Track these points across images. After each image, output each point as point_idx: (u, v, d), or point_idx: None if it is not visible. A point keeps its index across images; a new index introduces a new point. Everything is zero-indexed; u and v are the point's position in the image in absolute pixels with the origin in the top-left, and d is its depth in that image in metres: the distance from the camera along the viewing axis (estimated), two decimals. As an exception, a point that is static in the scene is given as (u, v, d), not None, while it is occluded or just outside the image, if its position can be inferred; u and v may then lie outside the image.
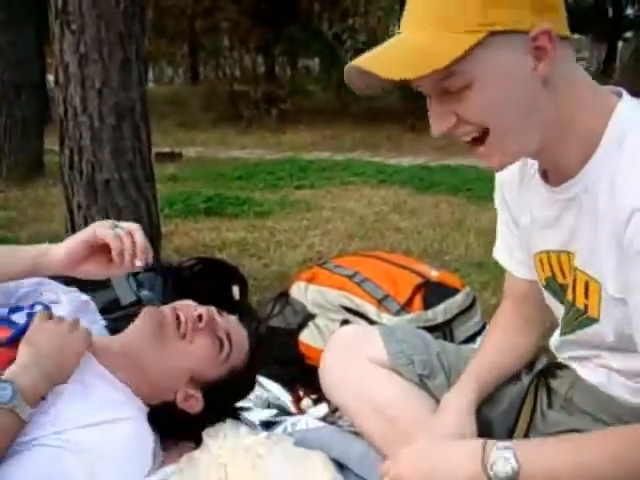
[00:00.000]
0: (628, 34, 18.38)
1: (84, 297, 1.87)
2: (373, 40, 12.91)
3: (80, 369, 1.53)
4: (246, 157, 8.44)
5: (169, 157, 7.63)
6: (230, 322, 1.72)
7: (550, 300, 1.38)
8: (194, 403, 1.64)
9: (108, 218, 2.98)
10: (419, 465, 1.26)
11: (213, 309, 1.69)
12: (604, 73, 14.69)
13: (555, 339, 1.42)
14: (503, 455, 1.15)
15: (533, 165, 1.29)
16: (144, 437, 1.52)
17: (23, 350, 1.44)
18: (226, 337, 1.66)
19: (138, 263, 1.50)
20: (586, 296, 1.21)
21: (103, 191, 3.04)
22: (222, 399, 1.68)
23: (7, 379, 1.36)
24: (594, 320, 1.22)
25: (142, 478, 1.47)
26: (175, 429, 1.67)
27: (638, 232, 1.04)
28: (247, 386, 1.80)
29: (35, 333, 1.48)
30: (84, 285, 2.26)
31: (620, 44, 17.95)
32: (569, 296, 1.27)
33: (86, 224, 3.02)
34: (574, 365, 1.41)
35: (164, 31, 15.76)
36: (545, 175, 1.25)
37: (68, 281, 2.26)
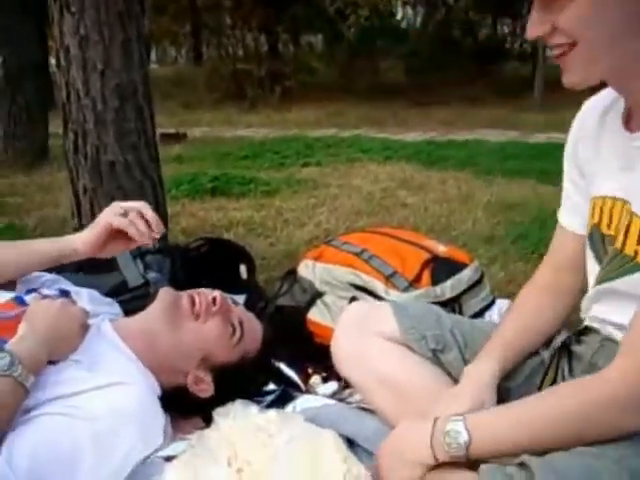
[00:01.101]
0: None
1: (107, 299, 1.97)
2: (376, 15, 12.84)
3: (94, 341, 1.59)
4: (251, 136, 8.41)
5: (174, 138, 7.60)
6: (245, 313, 1.78)
7: (588, 254, 1.39)
8: (205, 387, 1.67)
9: (114, 201, 2.99)
10: (388, 446, 1.33)
11: (228, 298, 1.73)
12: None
13: (587, 296, 1.42)
14: (454, 427, 1.21)
15: (617, 110, 1.31)
16: (150, 401, 1.54)
17: (21, 325, 1.50)
18: (239, 324, 1.69)
19: (157, 236, 1.70)
20: (639, 242, 1.23)
21: (108, 174, 3.03)
22: (232, 387, 1.70)
23: (5, 350, 1.39)
24: None
25: (157, 438, 1.52)
26: (185, 412, 1.69)
27: None
28: (258, 377, 1.83)
29: (31, 310, 1.55)
30: (92, 268, 2.28)
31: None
32: (618, 244, 1.28)
33: (92, 207, 3.03)
34: (602, 327, 1.41)
35: (165, 10, 15.68)
36: (628, 121, 1.27)
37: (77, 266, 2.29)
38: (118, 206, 1.72)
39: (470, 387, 1.39)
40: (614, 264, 1.30)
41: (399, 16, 15.12)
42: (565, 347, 1.50)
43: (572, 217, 1.48)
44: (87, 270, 2.31)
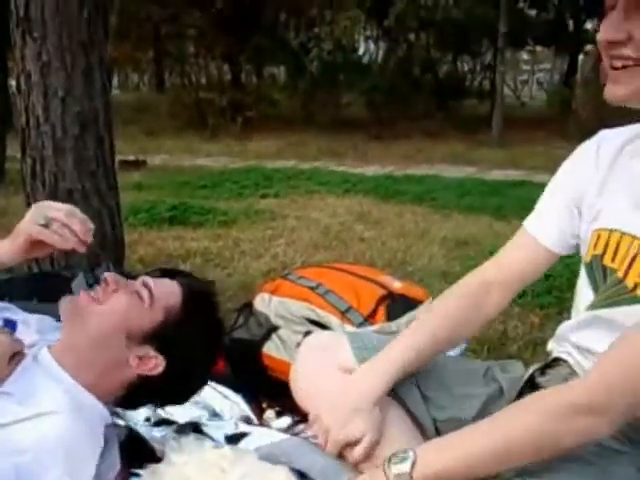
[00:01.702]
0: (588, 47, 18.73)
1: (58, 323, 1.89)
2: (338, 49, 12.99)
3: (28, 370, 1.53)
4: (211, 165, 8.42)
5: (134, 165, 7.58)
6: (147, 277, 1.66)
7: (583, 282, 1.41)
8: (153, 362, 1.57)
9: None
10: None
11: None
12: (566, 85, 14.91)
13: (568, 324, 1.45)
14: (403, 453, 1.25)
15: (635, 147, 1.32)
16: (83, 431, 1.47)
17: None
18: (143, 286, 1.59)
19: (85, 243, 1.58)
20: None
21: (65, 201, 2.96)
22: (180, 348, 1.59)
23: None
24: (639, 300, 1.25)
25: (88, 469, 1.43)
26: (161, 400, 1.68)
27: None
28: (198, 334, 1.64)
29: None
30: (45, 295, 2.25)
31: (581, 57, 18.26)
32: (620, 273, 1.29)
33: (48, 234, 3.00)
34: (572, 358, 1.42)
35: (128, 36, 15.65)
36: None
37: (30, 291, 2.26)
38: (41, 214, 1.61)
39: (354, 407, 1.43)
40: (611, 292, 1.32)
41: (361, 51, 15.31)
42: (530, 381, 1.51)
43: (542, 226, 1.51)
44: (40, 297, 2.29)
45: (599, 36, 1.15)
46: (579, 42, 17.24)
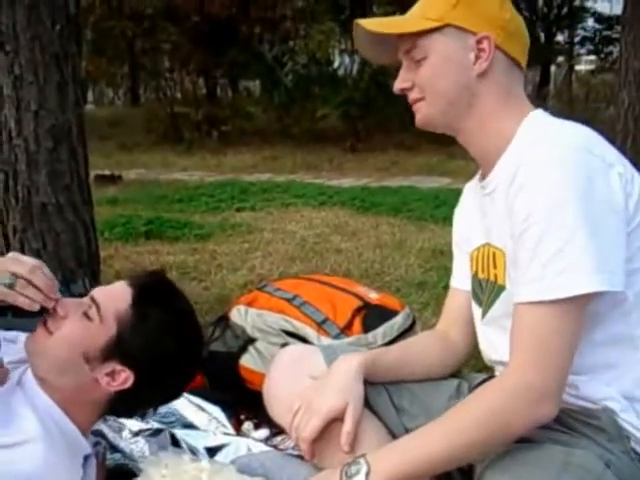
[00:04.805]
0: (560, 59, 19.01)
1: None
2: (313, 62, 13.04)
3: (10, 393, 1.50)
4: (187, 179, 8.40)
5: (109, 179, 7.55)
6: (95, 291, 1.59)
7: (472, 305, 1.54)
8: (122, 377, 1.52)
9: (45, 242, 2.99)
10: None
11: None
12: (538, 96, 15.04)
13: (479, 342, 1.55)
14: (356, 460, 1.31)
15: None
16: (53, 464, 1.43)
17: None
18: (92, 303, 1.53)
19: (52, 299, 1.49)
20: (494, 265, 1.43)
21: (39, 215, 2.99)
22: (143, 356, 1.53)
23: None
24: (503, 288, 1.40)
25: None
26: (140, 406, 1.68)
27: (521, 179, 1.27)
28: (157, 331, 1.55)
29: None
30: (20, 310, 2.23)
31: (553, 68, 18.50)
32: (487, 277, 1.46)
33: (22, 248, 2.98)
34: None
35: (104, 52, 15.62)
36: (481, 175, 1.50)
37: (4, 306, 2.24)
38: (4, 271, 1.48)
39: (336, 381, 1.48)
40: (488, 293, 1.46)
41: (336, 64, 15.35)
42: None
43: (461, 278, 1.62)
44: (15, 312, 2.26)
45: (394, 88, 1.49)
46: (551, 54, 17.45)
